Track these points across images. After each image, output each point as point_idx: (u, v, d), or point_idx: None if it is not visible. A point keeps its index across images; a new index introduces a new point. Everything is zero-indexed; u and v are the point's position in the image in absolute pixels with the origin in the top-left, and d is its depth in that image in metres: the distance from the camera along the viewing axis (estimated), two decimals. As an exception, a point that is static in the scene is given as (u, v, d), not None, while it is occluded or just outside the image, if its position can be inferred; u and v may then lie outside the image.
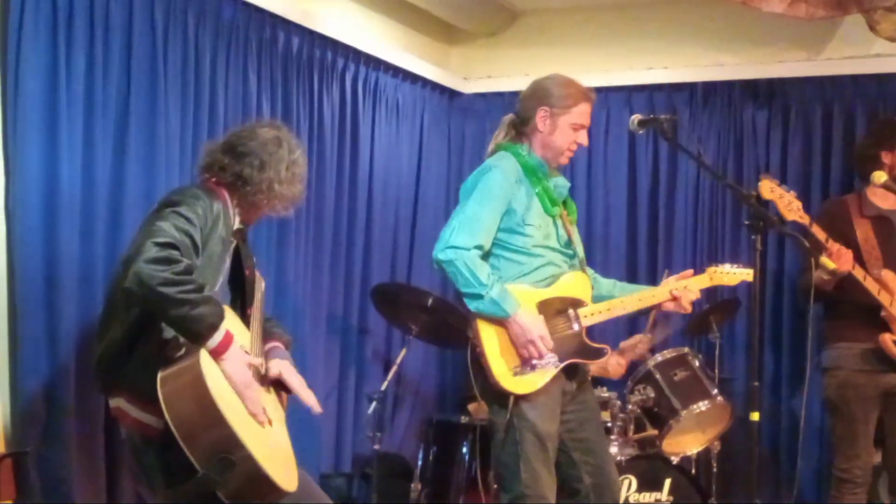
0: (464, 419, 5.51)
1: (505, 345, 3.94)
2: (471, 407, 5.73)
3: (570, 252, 4.18)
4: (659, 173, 6.72)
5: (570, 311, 4.07)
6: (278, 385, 3.67)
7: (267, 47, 5.50)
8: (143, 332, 3.31)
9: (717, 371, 5.74)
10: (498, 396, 3.96)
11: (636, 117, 4.22)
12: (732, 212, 6.46)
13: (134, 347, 3.31)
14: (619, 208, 6.76)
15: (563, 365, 4.00)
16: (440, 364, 6.83)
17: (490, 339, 3.93)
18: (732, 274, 4.40)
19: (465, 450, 5.40)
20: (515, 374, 3.93)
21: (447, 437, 5.49)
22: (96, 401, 4.45)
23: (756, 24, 6.34)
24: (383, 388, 5.45)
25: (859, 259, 4.86)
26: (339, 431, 6.08)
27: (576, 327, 4.06)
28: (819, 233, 4.68)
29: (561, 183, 4.22)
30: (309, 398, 3.69)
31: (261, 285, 3.78)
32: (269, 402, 3.52)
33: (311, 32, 5.81)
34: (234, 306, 3.62)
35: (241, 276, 3.65)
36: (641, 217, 6.73)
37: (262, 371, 3.56)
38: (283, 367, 3.65)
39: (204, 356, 3.22)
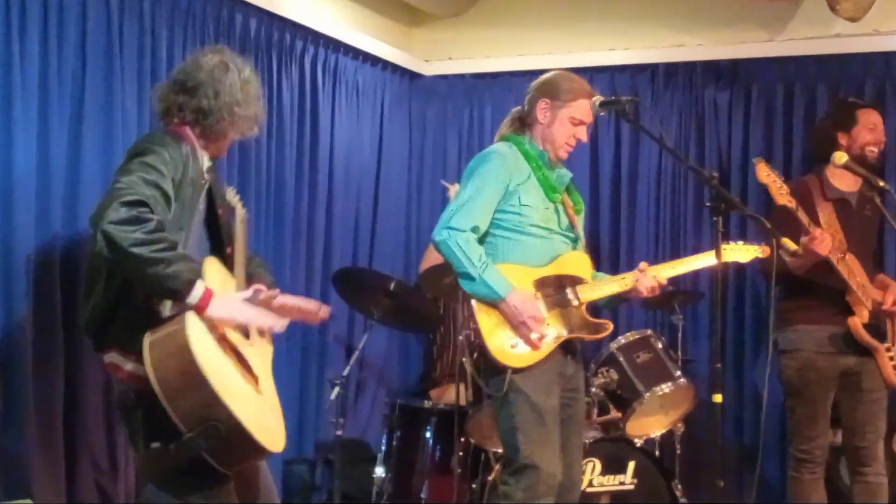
0: (427, 404, 5.53)
1: (501, 320, 4.02)
2: (433, 392, 5.76)
3: (573, 236, 4.27)
4: (621, 155, 6.75)
5: (569, 289, 4.14)
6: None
7: (224, 30, 5.49)
8: (126, 291, 3.29)
9: (680, 353, 5.77)
10: (496, 371, 4.02)
11: (598, 99, 4.25)
12: (695, 193, 6.50)
13: (118, 307, 3.30)
14: (581, 190, 6.73)
15: (563, 338, 4.09)
16: (403, 349, 6.85)
17: (485, 317, 4.01)
18: (741, 251, 4.50)
19: (428, 434, 5.42)
20: (512, 347, 4.00)
21: (411, 421, 5.50)
22: (55, 391, 4.46)
23: (718, 5, 6.39)
24: (346, 373, 5.45)
25: None
26: (302, 417, 6.09)
27: (575, 303, 4.13)
28: (804, 217, 4.73)
29: (563, 173, 4.29)
30: (311, 305, 3.76)
31: (242, 215, 3.72)
32: (255, 355, 3.50)
33: (270, 14, 5.80)
34: (212, 250, 3.58)
35: (215, 216, 3.60)
36: (604, 199, 6.75)
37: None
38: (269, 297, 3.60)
39: (190, 319, 3.19)
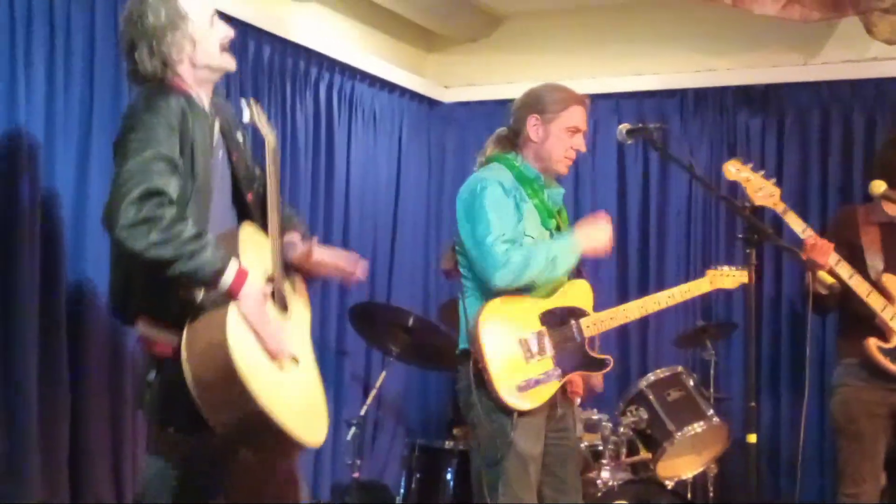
0: (448, 444, 5.50)
1: (508, 360, 3.96)
2: (456, 431, 5.73)
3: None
4: (649, 183, 6.76)
5: (572, 322, 4.10)
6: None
7: (236, 57, 5.47)
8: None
9: (712, 390, 5.75)
10: (496, 413, 3.95)
11: (624, 126, 4.23)
12: (726, 223, 6.49)
13: (132, 276, 3.31)
14: (611, 221, 6.76)
15: (567, 378, 4.05)
16: (422, 386, 6.83)
17: (494, 356, 3.94)
18: (732, 276, 4.50)
19: (449, 476, 5.39)
20: (520, 388, 3.94)
21: (431, 462, 5.48)
22: (58, 394, 4.52)
23: (748, 27, 6.39)
24: (363, 412, 5.44)
25: (862, 266, 4.87)
26: (317, 458, 6.08)
27: (577, 338, 4.09)
28: (795, 221, 4.65)
29: (555, 192, 4.23)
30: (346, 262, 3.72)
31: (271, 144, 3.59)
32: (294, 330, 3.48)
33: (283, 41, 5.83)
34: (234, 197, 3.55)
35: (230, 162, 3.55)
36: (632, 230, 6.75)
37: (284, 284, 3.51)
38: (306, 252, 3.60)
39: (230, 315, 3.19)
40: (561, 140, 4.11)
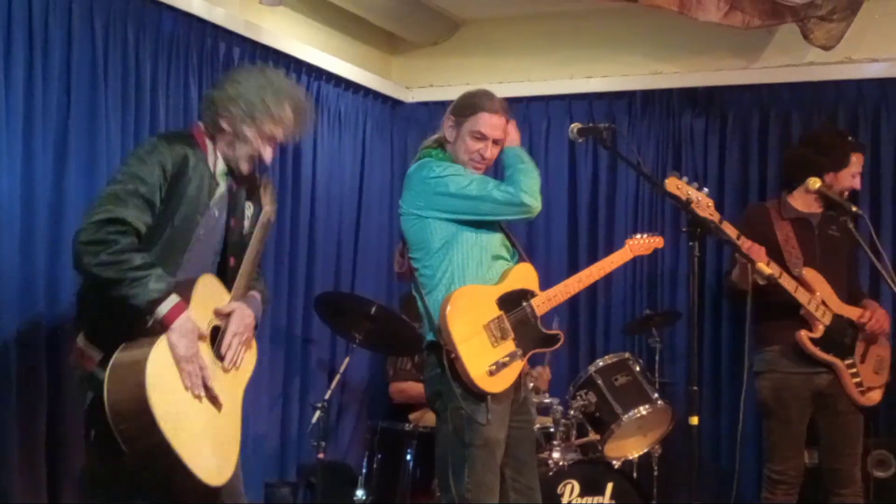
0: (408, 426, 5.53)
1: (477, 347, 3.99)
2: (412, 415, 5.76)
3: (512, 251, 4.27)
4: (599, 181, 6.80)
5: (525, 304, 4.16)
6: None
7: (208, 58, 5.50)
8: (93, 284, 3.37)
9: (657, 375, 5.80)
10: (467, 400, 3.96)
11: (575, 126, 4.27)
12: (672, 218, 6.53)
13: (88, 295, 3.40)
14: (559, 216, 6.82)
15: (528, 355, 4.14)
16: (384, 372, 6.84)
17: (463, 343, 3.96)
18: (647, 242, 4.78)
19: (409, 457, 5.41)
20: (490, 373, 3.98)
21: (392, 444, 5.49)
22: (37, 403, 4.48)
23: (694, 34, 6.42)
24: (327, 396, 5.45)
25: (780, 260, 4.95)
26: (284, 440, 6.10)
27: (532, 318, 4.16)
28: (730, 229, 4.70)
29: None
30: (226, 350, 3.56)
31: (264, 219, 3.70)
32: (226, 379, 3.50)
33: (253, 43, 5.82)
34: (222, 257, 3.62)
35: (227, 226, 3.62)
36: (582, 224, 6.79)
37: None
38: (234, 309, 3.58)
39: (156, 349, 3.24)
40: (465, 143, 4.14)
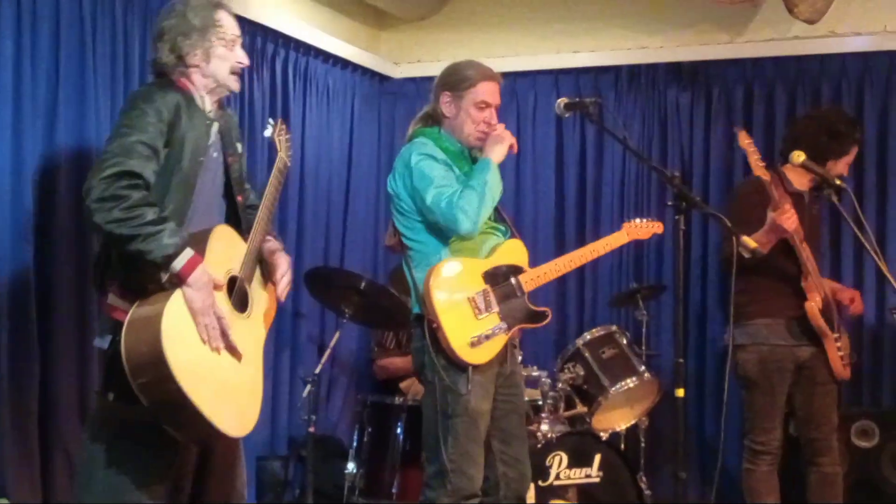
0: (397, 400, 5.52)
1: (460, 319, 3.99)
2: (403, 385, 5.75)
3: (503, 228, 4.26)
4: (586, 155, 6.79)
5: (513, 279, 4.15)
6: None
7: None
8: None
9: (644, 348, 5.81)
10: (450, 370, 3.98)
11: (562, 100, 4.24)
12: (658, 192, 6.53)
13: (111, 251, 3.37)
14: (547, 191, 6.81)
15: (514, 330, 4.11)
16: (370, 349, 6.84)
17: (445, 314, 3.97)
18: (646, 227, 4.66)
19: (399, 430, 5.41)
20: (472, 344, 3.98)
21: (381, 417, 5.49)
22: (29, 390, 4.44)
23: (679, 8, 6.42)
24: (317, 370, 5.44)
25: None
26: (275, 414, 6.09)
27: (519, 293, 4.14)
28: (776, 191, 4.80)
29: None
30: (280, 289, 3.72)
31: (280, 163, 3.73)
32: (245, 331, 3.49)
33: (241, 18, 5.67)
34: (226, 196, 3.62)
35: (225, 164, 3.61)
36: (569, 198, 6.79)
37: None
38: (276, 250, 3.70)
39: (172, 302, 3.23)
40: (470, 115, 4.14)
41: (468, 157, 4.19)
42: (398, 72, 7.23)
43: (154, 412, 3.26)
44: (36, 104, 4.56)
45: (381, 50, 7.20)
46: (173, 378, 3.17)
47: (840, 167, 5.14)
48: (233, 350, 3.41)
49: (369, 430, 5.49)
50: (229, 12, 3.62)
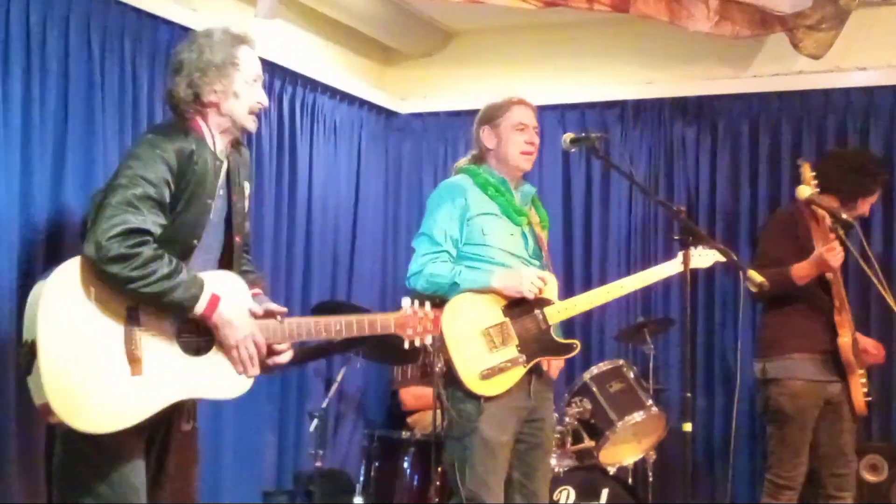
0: (405, 434, 5.52)
1: (471, 351, 4.02)
2: (411, 420, 5.74)
3: (539, 263, 4.25)
4: (592, 189, 6.81)
5: (537, 311, 4.14)
6: None
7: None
8: None
9: (651, 382, 5.79)
10: (463, 401, 4.01)
11: (568, 136, 4.26)
12: (664, 225, 6.53)
13: None
14: (554, 225, 6.71)
15: (532, 363, 4.09)
16: (381, 380, 6.83)
17: (456, 346, 4.00)
18: (704, 256, 4.51)
19: (406, 464, 5.40)
20: (484, 377, 4.00)
21: (389, 452, 5.49)
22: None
23: (684, 43, 6.43)
24: (324, 405, 5.44)
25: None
26: (281, 449, 6.07)
27: (542, 325, 4.14)
28: (826, 220, 4.88)
29: (526, 190, 4.32)
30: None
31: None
32: (176, 362, 3.33)
33: (248, 55, 5.79)
34: (226, 237, 3.56)
35: (229, 203, 3.54)
36: (577, 233, 6.79)
37: None
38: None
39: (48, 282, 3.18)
40: (512, 139, 4.22)
41: (509, 188, 4.24)
42: (404, 107, 7.26)
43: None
44: (44, 141, 4.57)
45: (387, 86, 7.23)
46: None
47: (863, 207, 5.15)
48: (133, 360, 3.24)
49: (377, 464, 5.48)
50: (252, 48, 3.53)
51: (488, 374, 4.01)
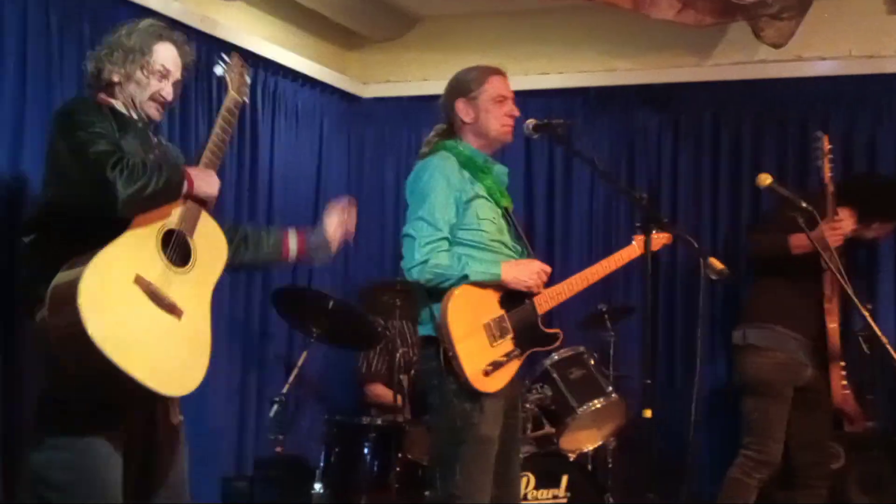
0: (365, 420, 5.52)
1: (475, 346, 3.93)
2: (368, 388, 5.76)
3: (520, 249, 4.20)
4: (554, 176, 6.82)
5: (527, 301, 4.09)
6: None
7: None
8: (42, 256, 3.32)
9: (612, 369, 5.81)
10: (461, 397, 3.92)
11: (531, 122, 4.21)
12: (626, 214, 6.55)
13: (37, 271, 3.29)
14: (516, 211, 6.79)
15: (526, 354, 4.07)
16: (342, 366, 6.83)
17: (462, 342, 3.90)
18: (656, 238, 4.45)
19: (366, 450, 5.40)
20: (486, 373, 3.92)
21: (349, 438, 5.48)
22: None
23: (648, 31, 6.46)
24: (285, 390, 5.43)
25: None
26: (241, 435, 6.07)
27: (533, 316, 4.10)
28: (832, 203, 5.00)
29: (500, 171, 4.22)
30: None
31: (226, 110, 3.63)
32: (186, 283, 3.38)
33: (210, 37, 5.77)
34: None
35: None
36: (539, 220, 6.81)
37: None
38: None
39: (88, 271, 3.12)
40: (492, 112, 4.11)
41: (489, 164, 4.14)
42: (367, 91, 7.25)
43: (85, 382, 3.19)
44: (2, 121, 4.54)
45: (349, 70, 7.21)
46: (97, 348, 3.07)
47: (881, 231, 5.22)
48: (171, 308, 3.30)
49: (336, 450, 5.47)
50: (176, 46, 3.58)
51: (490, 370, 3.93)
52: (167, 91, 3.56)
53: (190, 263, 3.41)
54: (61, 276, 3.16)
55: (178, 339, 3.33)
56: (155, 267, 3.30)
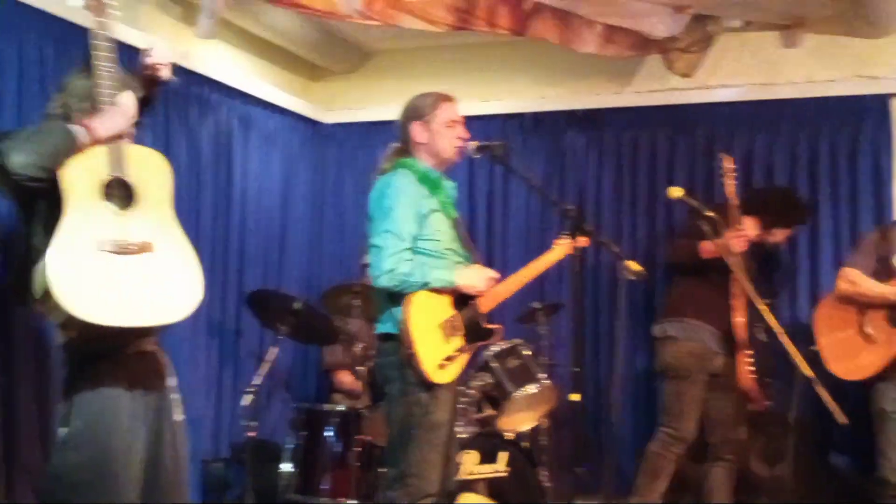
0: (328, 406, 5.56)
1: (432, 344, 3.96)
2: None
3: (468, 255, 4.23)
4: (494, 192, 6.88)
5: (472, 303, 4.11)
6: None
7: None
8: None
9: (546, 359, 5.88)
10: (416, 387, 3.93)
11: (474, 143, 4.25)
12: (558, 223, 6.60)
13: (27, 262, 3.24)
14: (461, 223, 6.85)
15: (473, 349, 4.11)
16: (307, 360, 6.87)
17: (421, 340, 3.92)
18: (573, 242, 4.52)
19: (330, 433, 5.44)
20: (441, 367, 3.96)
21: (314, 422, 5.52)
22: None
23: (575, 63, 6.53)
24: (257, 382, 5.46)
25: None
26: (218, 422, 6.09)
27: (478, 315, 4.12)
28: (735, 214, 5.11)
29: (451, 186, 4.23)
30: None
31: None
32: (141, 220, 3.27)
33: (189, 72, 5.81)
34: None
35: None
36: (480, 229, 6.86)
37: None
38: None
39: (54, 246, 3.08)
40: (444, 135, 4.12)
41: (442, 184, 4.14)
42: (329, 118, 7.29)
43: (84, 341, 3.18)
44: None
45: (313, 99, 7.25)
46: (88, 322, 3.05)
47: (780, 236, 5.34)
48: (142, 247, 3.20)
49: (303, 434, 5.50)
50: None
51: (445, 364, 3.97)
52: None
53: (136, 199, 3.28)
54: (36, 273, 3.13)
55: (160, 269, 3.24)
56: (108, 221, 3.20)
